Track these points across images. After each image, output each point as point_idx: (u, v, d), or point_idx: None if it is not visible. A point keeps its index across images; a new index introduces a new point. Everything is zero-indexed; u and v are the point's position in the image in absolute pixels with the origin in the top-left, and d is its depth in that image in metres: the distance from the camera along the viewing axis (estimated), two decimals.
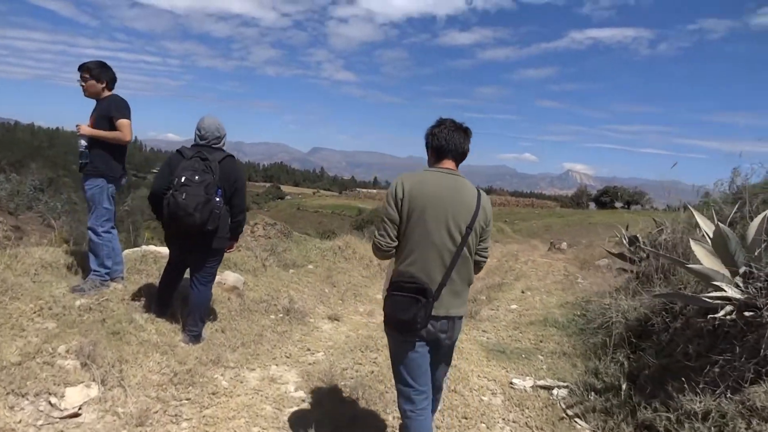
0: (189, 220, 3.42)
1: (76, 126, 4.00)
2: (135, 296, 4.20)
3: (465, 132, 2.47)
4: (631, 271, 5.16)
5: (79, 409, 2.87)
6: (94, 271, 4.16)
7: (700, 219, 3.17)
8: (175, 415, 3.00)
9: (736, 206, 3.39)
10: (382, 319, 2.42)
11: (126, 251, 5.37)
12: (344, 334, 4.81)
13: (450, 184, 2.38)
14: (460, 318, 2.46)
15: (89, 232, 4.13)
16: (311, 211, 76.67)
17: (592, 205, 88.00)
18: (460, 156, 2.47)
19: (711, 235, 3.06)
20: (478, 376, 3.91)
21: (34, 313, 3.60)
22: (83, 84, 4.05)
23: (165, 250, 5.42)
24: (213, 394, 3.29)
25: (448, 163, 2.45)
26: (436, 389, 2.63)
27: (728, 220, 2.89)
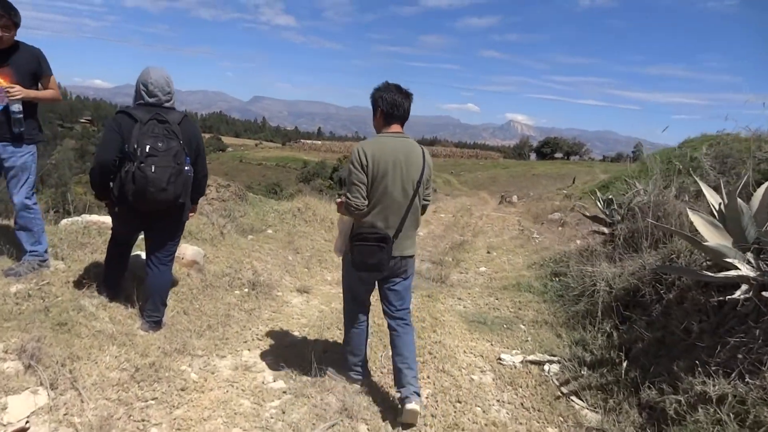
0: (161, 196, 2.96)
1: (6, 90, 3.26)
2: (81, 278, 3.71)
3: (408, 96, 2.84)
4: (610, 234, 5.09)
5: (27, 421, 2.44)
6: (30, 251, 3.62)
7: (706, 190, 3.02)
8: (142, 420, 2.63)
9: (744, 179, 3.26)
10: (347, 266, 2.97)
11: (64, 222, 4.80)
12: (316, 308, 4.51)
13: (403, 147, 2.79)
14: (412, 257, 2.98)
15: (20, 206, 3.54)
16: (255, 164, 74.56)
17: (533, 155, 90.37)
18: (405, 119, 2.88)
19: (716, 207, 2.93)
20: (464, 351, 3.74)
21: None
22: (6, 34, 3.23)
23: (107, 219, 4.86)
24: (182, 390, 2.93)
25: (396, 127, 2.85)
26: (405, 312, 3.06)
27: (737, 190, 2.74)
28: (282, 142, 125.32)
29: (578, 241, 8.58)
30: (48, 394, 2.60)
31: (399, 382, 2.91)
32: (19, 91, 3.28)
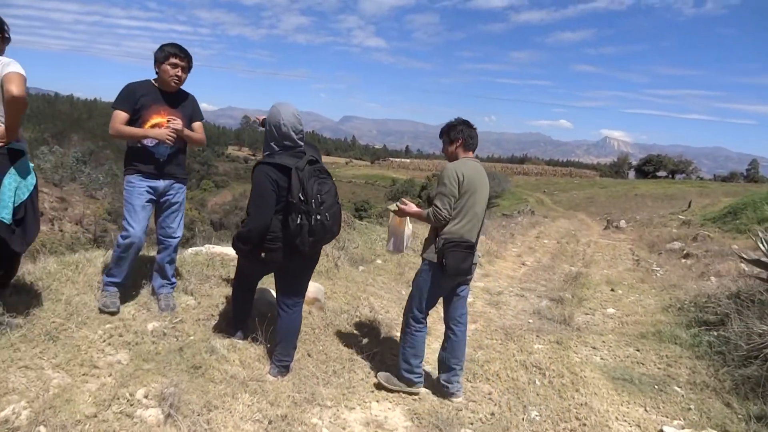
0: (331, 239, 3.10)
1: (170, 120, 3.41)
2: (210, 315, 3.70)
3: (475, 129, 3.33)
4: None
5: None
6: (173, 283, 3.80)
7: None
8: None
9: None
10: (428, 267, 3.27)
11: (189, 252, 4.90)
12: (437, 352, 4.22)
13: (482, 171, 3.30)
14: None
15: (178, 241, 3.70)
16: (345, 182, 76.42)
17: (632, 173, 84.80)
18: (476, 148, 3.36)
19: None
20: (617, 418, 3.29)
21: (104, 341, 3.15)
22: (183, 76, 3.45)
23: (230, 251, 4.92)
24: None
25: (472, 154, 3.35)
26: (465, 316, 3.53)
27: None
28: (371, 161, 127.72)
29: (713, 278, 7.69)
30: None
31: (449, 379, 3.41)
32: (178, 123, 3.41)
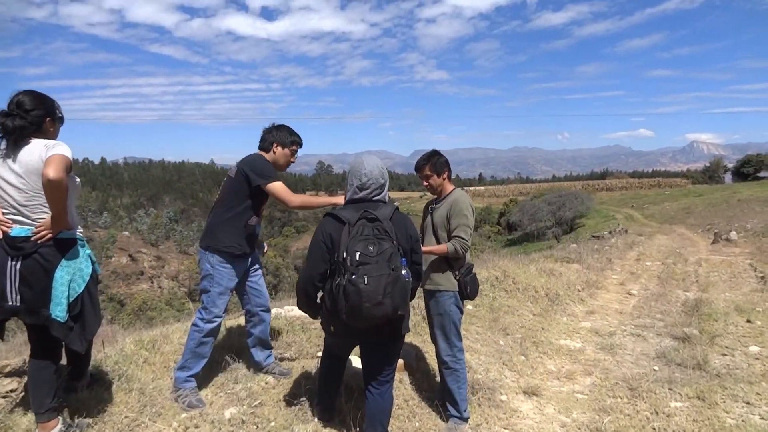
0: (378, 311, 2.41)
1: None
2: (292, 393, 3.34)
3: None
4: None
5: None
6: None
7: None
8: None
9: None
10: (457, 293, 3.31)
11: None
12: (555, 420, 3.59)
13: None
14: None
15: (268, 305, 3.65)
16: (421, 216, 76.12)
17: (728, 177, 78.18)
18: None
19: None
20: None
21: None
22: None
23: None
24: None
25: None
26: None
27: None
28: None
29: None
30: None
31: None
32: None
